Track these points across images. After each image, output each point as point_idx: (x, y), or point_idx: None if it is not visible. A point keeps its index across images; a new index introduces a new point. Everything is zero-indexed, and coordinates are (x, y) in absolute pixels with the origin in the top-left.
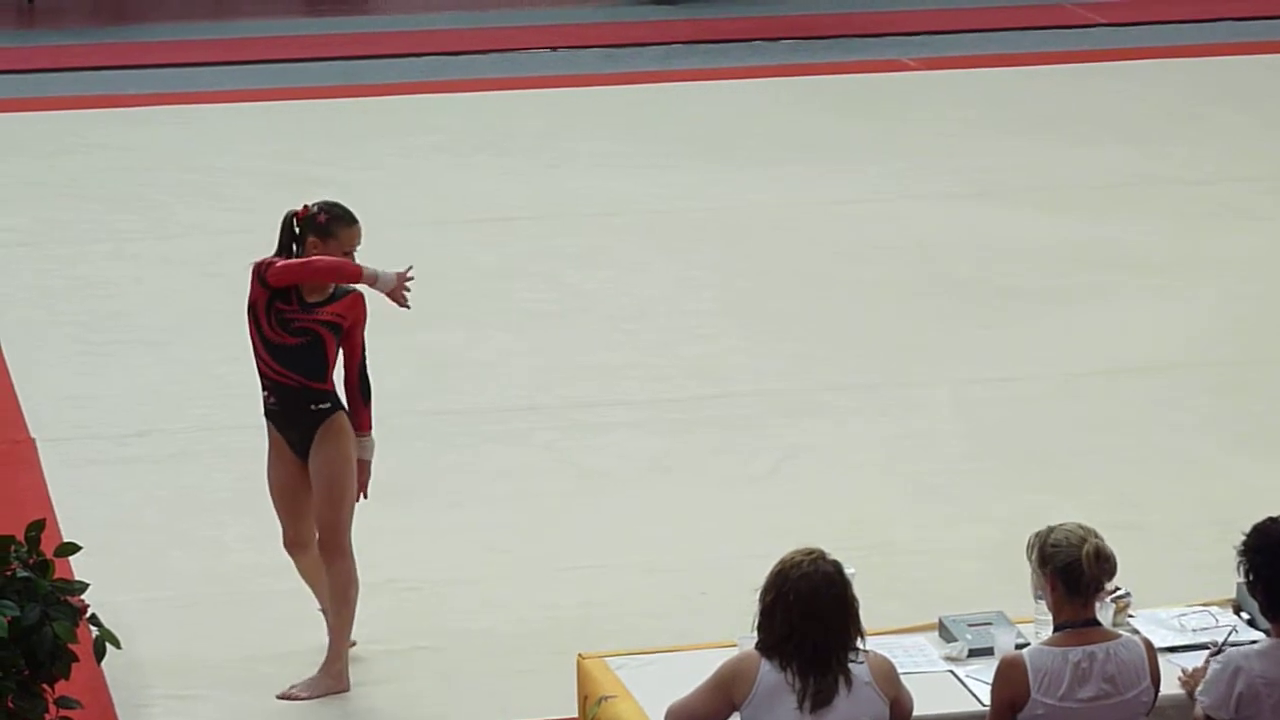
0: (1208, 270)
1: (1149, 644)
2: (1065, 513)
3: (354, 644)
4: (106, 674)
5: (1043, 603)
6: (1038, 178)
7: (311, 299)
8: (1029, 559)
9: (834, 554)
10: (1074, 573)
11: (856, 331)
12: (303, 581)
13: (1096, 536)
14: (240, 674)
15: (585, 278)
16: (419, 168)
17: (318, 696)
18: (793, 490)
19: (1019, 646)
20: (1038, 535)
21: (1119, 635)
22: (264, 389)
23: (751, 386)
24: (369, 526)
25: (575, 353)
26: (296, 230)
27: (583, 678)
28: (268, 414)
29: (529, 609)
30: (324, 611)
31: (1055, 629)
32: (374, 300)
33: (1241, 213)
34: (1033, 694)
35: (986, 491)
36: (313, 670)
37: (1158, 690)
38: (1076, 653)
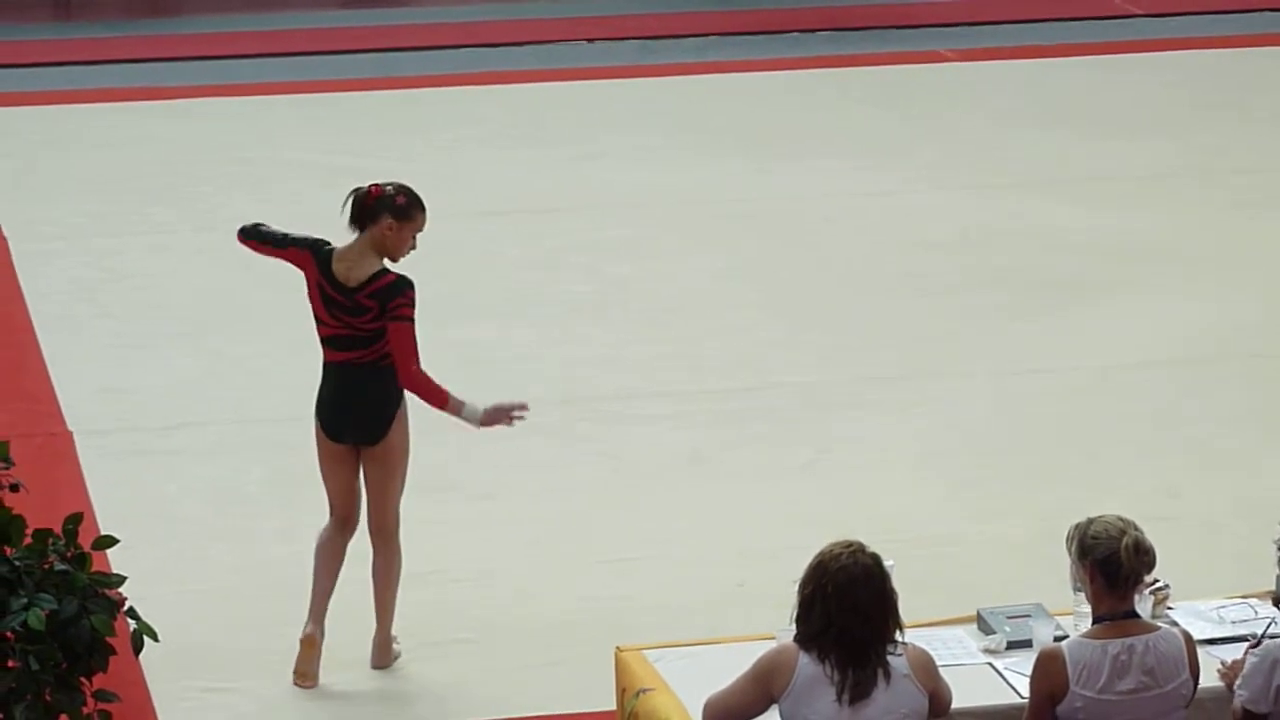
0: (1243, 262)
1: (1188, 636)
2: (1103, 505)
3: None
4: (144, 666)
5: (1081, 595)
6: (1074, 169)
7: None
8: (1068, 551)
9: (873, 546)
10: (1113, 565)
11: (893, 324)
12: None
13: (1136, 529)
14: (278, 665)
15: (622, 269)
16: (457, 160)
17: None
18: (831, 483)
19: (1058, 639)
20: (1077, 527)
21: (1158, 628)
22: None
23: (789, 379)
24: (410, 518)
25: (612, 345)
26: (370, 208)
27: (621, 670)
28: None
29: (567, 601)
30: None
31: (1094, 621)
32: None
33: (1271, 206)
34: (1071, 686)
35: (1024, 484)
36: (347, 661)
37: (1197, 682)
38: (1115, 645)
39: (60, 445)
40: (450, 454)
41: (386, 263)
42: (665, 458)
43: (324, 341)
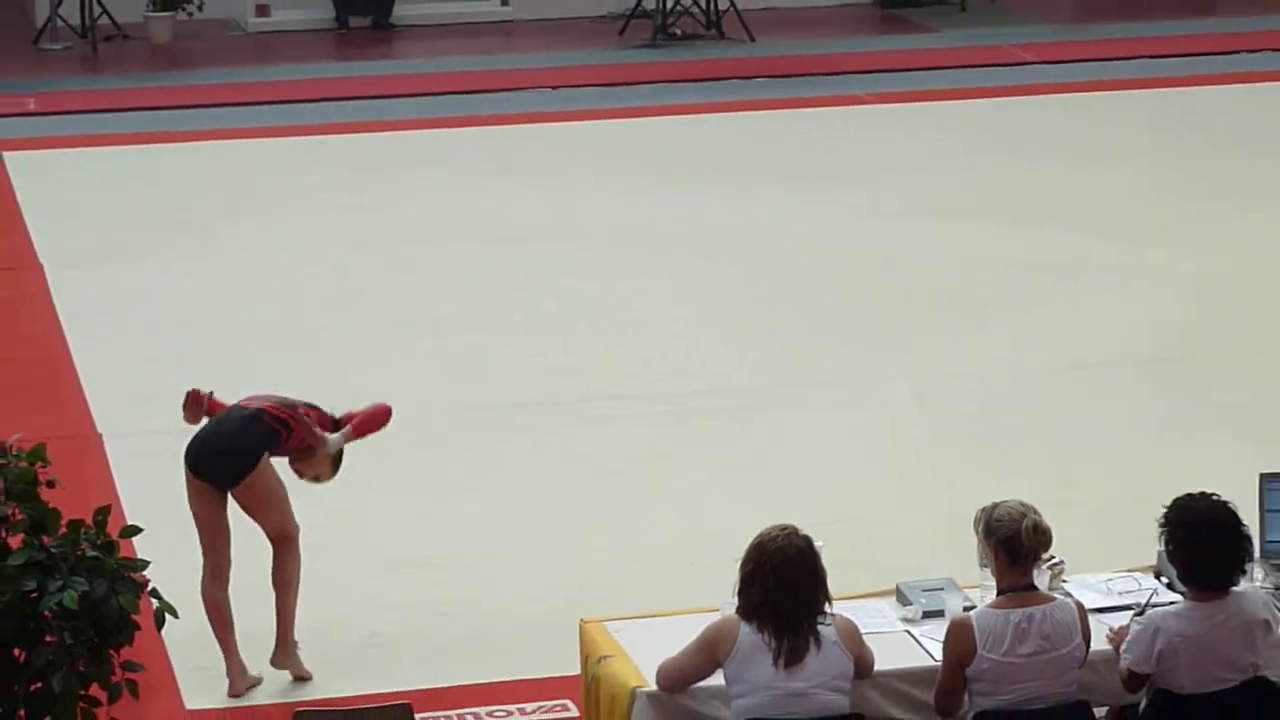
0: (1136, 278)
1: (1080, 606)
2: (1010, 491)
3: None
4: (166, 641)
5: (987, 570)
6: (985, 197)
7: None
8: (976, 532)
9: (806, 529)
10: (1014, 544)
11: (829, 334)
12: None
13: (1035, 512)
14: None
15: (589, 288)
16: (438, 194)
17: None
18: (771, 474)
19: (967, 609)
20: (983, 511)
21: (1054, 598)
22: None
23: (737, 383)
24: (399, 509)
25: (582, 355)
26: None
27: (584, 640)
28: None
29: (538, 580)
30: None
31: (998, 593)
32: (400, 309)
33: (1165, 228)
34: (979, 650)
35: (942, 474)
36: (353, 644)
37: (1088, 646)
38: (1017, 614)
39: (91, 446)
40: (431, 453)
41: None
42: (628, 455)
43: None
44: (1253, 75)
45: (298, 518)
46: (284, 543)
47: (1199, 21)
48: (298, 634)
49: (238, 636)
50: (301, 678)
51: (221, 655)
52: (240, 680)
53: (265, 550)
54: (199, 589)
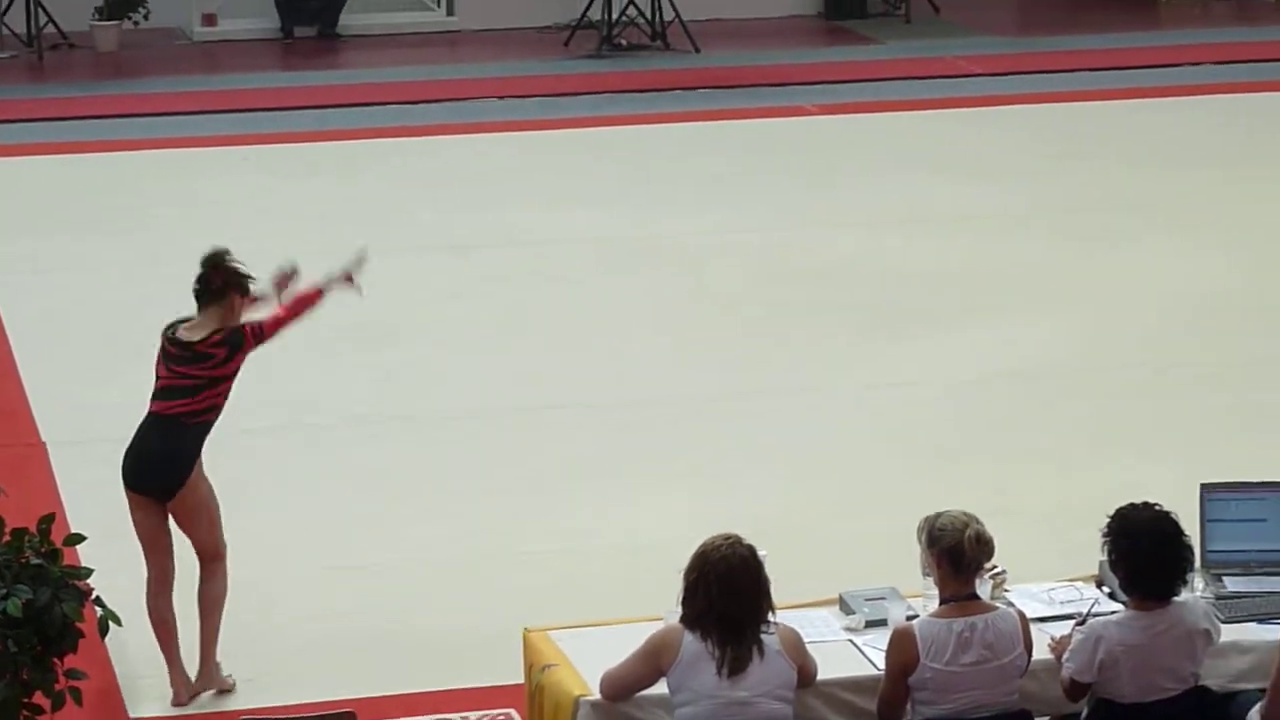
0: (1072, 291)
1: (1022, 615)
2: (952, 500)
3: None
4: (110, 649)
5: (930, 579)
6: (924, 210)
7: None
8: (918, 541)
9: (749, 539)
10: (957, 554)
11: (772, 345)
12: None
13: (977, 522)
14: (226, 647)
15: (534, 298)
16: (384, 203)
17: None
18: (715, 483)
19: (910, 618)
20: (926, 520)
21: (996, 607)
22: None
23: (681, 392)
24: (348, 517)
25: (525, 365)
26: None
27: (528, 649)
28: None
29: (484, 588)
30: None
31: (941, 602)
32: (346, 319)
33: (1105, 239)
34: (922, 659)
35: (884, 483)
36: (297, 651)
37: (1030, 655)
38: (960, 623)
39: (35, 454)
40: (376, 460)
41: None
42: (570, 462)
43: (154, 395)
44: (1197, 88)
45: (240, 522)
46: (213, 561)
47: (1142, 34)
48: (241, 641)
49: (182, 646)
50: (225, 690)
51: (187, 658)
52: (184, 689)
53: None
54: (144, 597)
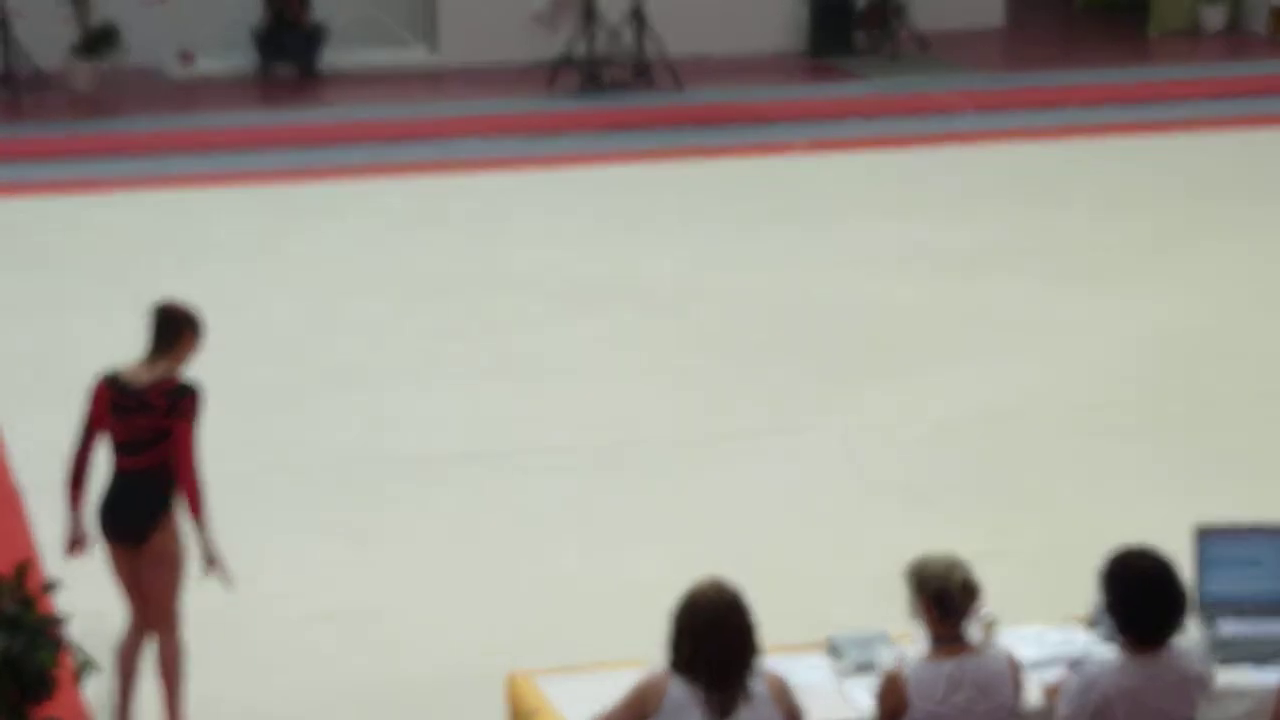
0: (1057, 328)
1: (1011, 657)
2: (942, 542)
3: None
4: (88, 696)
5: (919, 622)
6: (914, 245)
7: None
8: (907, 585)
9: (736, 582)
10: (945, 598)
11: (752, 384)
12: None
13: (964, 567)
14: (203, 693)
15: (515, 338)
16: (365, 243)
17: None
18: (701, 526)
19: (899, 661)
20: (913, 564)
21: (986, 650)
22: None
23: (665, 434)
24: (324, 560)
25: (509, 406)
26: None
27: (512, 694)
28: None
29: (465, 633)
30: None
31: (930, 645)
32: (327, 361)
33: (1100, 276)
34: (912, 702)
35: (873, 525)
36: (279, 695)
37: (1019, 697)
38: (949, 665)
39: (10, 499)
40: (355, 504)
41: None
42: (553, 505)
43: (115, 449)
44: (1188, 123)
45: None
46: (163, 622)
47: (1132, 70)
48: (218, 689)
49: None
50: None
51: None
52: None
53: (200, 614)
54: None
